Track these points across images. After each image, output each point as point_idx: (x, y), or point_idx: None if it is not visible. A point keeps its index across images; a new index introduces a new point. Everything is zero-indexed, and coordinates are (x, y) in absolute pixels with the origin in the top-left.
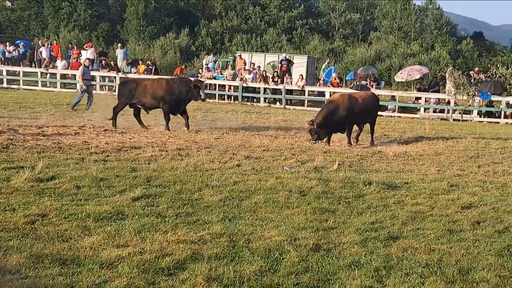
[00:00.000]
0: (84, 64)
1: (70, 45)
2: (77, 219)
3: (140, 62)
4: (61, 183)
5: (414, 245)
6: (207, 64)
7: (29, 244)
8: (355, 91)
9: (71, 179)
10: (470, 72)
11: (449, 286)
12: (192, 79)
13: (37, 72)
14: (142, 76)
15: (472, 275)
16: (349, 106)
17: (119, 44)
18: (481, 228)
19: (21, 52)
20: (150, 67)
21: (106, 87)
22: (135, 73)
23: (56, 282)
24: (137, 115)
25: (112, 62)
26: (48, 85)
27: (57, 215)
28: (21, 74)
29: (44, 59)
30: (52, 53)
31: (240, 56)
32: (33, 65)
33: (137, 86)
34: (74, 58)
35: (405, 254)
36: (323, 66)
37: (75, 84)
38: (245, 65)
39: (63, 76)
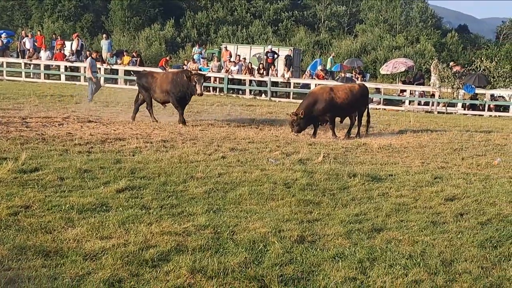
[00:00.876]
0: (92, 56)
1: (54, 35)
2: (61, 210)
3: (125, 53)
4: (45, 175)
5: (397, 236)
6: (192, 55)
7: (12, 235)
8: (340, 83)
9: (55, 170)
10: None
11: (432, 277)
12: (193, 72)
13: (20, 63)
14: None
15: (455, 267)
16: (329, 98)
17: (104, 35)
18: (464, 220)
19: (4, 43)
20: (135, 58)
21: None
22: (120, 64)
23: (39, 273)
24: (139, 104)
25: (97, 53)
26: (32, 76)
27: (41, 207)
28: (4, 64)
29: (28, 49)
30: (36, 44)
31: (225, 48)
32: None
33: (153, 80)
34: (57, 49)
35: (389, 246)
36: (329, 59)
37: (59, 75)
38: (231, 57)
39: (47, 67)
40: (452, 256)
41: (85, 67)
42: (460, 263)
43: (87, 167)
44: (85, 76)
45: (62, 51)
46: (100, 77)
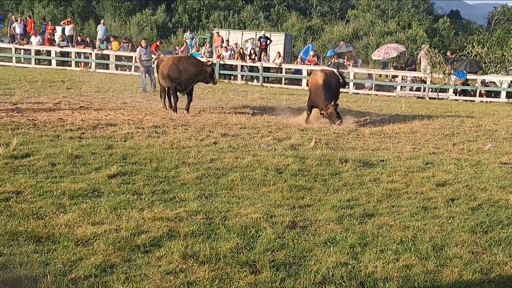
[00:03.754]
0: (141, 45)
1: (44, 20)
2: (52, 196)
3: (112, 38)
4: (36, 160)
5: (389, 222)
6: (184, 41)
7: (3, 221)
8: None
9: (46, 156)
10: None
11: (423, 262)
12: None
13: (11, 48)
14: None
15: (446, 252)
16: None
17: (102, 21)
18: (455, 206)
19: None
20: (125, 44)
21: (82, 63)
22: (110, 49)
23: (31, 259)
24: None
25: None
26: (22, 61)
27: (32, 193)
28: None
29: (18, 34)
30: (26, 29)
31: (218, 33)
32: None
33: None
34: (48, 34)
35: (380, 231)
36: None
37: (50, 60)
38: (222, 42)
39: (38, 52)
40: (443, 241)
41: (76, 52)
42: (451, 248)
43: (78, 152)
44: (74, 61)
45: (50, 36)
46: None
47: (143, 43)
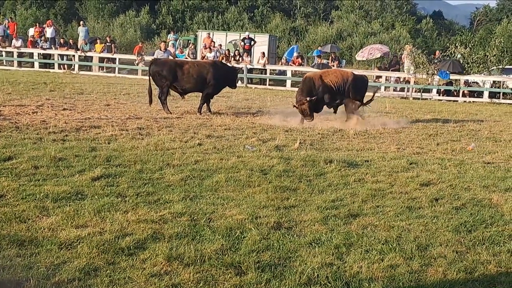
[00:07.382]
0: (160, 48)
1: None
2: (35, 199)
3: (98, 41)
4: (19, 163)
5: (373, 222)
6: (167, 42)
7: None
8: (316, 70)
9: (29, 159)
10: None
11: (407, 262)
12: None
13: None
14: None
15: (430, 251)
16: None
17: (81, 22)
18: (439, 205)
19: None
20: (108, 43)
21: (65, 65)
22: (94, 51)
23: (13, 263)
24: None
25: (165, 44)
26: (4, 63)
27: (15, 196)
28: None
29: (1, 36)
30: (8, 31)
31: (208, 35)
32: None
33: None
34: (31, 36)
35: (365, 231)
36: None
37: (33, 62)
38: (210, 43)
39: (20, 54)
40: (427, 240)
41: (59, 55)
42: (435, 247)
43: (61, 155)
44: (57, 64)
45: (32, 39)
46: None
47: (162, 46)
